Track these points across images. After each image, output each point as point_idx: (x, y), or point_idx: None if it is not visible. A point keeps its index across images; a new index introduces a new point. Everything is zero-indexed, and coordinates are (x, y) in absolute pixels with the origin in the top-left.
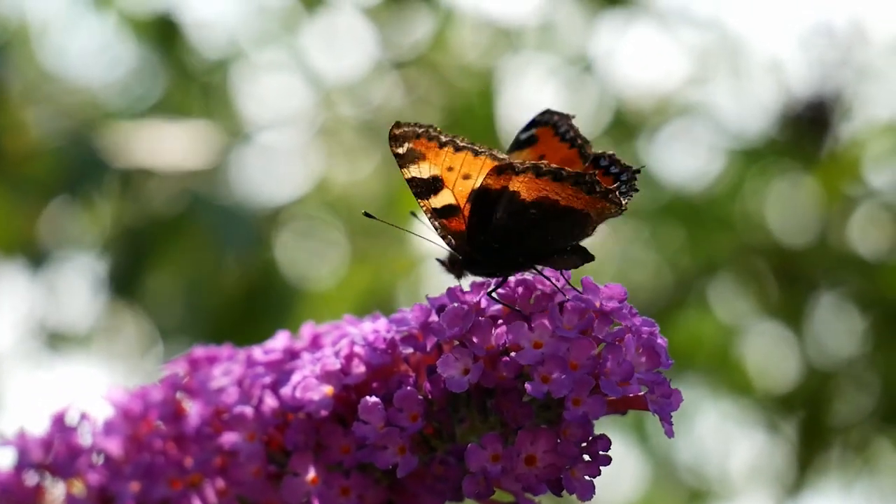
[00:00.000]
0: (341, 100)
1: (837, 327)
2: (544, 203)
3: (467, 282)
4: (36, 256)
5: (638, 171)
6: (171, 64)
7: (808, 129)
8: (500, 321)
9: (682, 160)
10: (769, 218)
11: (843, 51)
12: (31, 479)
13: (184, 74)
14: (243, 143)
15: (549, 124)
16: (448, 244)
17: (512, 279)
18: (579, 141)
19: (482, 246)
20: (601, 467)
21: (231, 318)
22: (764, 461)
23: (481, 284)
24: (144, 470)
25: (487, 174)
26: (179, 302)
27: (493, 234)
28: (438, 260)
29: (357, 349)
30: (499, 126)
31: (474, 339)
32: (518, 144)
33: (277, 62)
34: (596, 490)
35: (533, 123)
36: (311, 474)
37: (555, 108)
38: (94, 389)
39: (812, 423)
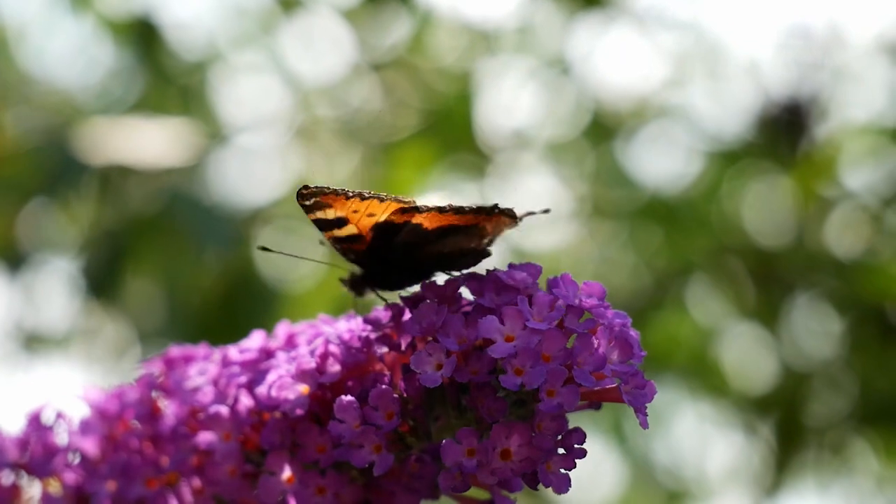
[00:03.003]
0: (319, 101)
1: (814, 328)
2: (444, 227)
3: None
4: (13, 258)
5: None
6: (149, 66)
7: (784, 130)
8: (472, 316)
9: (659, 162)
10: (746, 219)
11: (819, 53)
12: (7, 478)
13: (162, 76)
14: (221, 144)
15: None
16: (349, 260)
17: (483, 273)
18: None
19: (384, 261)
20: (576, 460)
21: (210, 319)
22: (741, 462)
23: (454, 280)
24: (121, 469)
25: (392, 212)
26: (158, 303)
27: (395, 251)
28: (341, 280)
29: (332, 348)
30: (476, 128)
31: (447, 335)
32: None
33: (255, 64)
34: (572, 483)
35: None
36: (287, 473)
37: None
38: (71, 390)
39: (789, 424)
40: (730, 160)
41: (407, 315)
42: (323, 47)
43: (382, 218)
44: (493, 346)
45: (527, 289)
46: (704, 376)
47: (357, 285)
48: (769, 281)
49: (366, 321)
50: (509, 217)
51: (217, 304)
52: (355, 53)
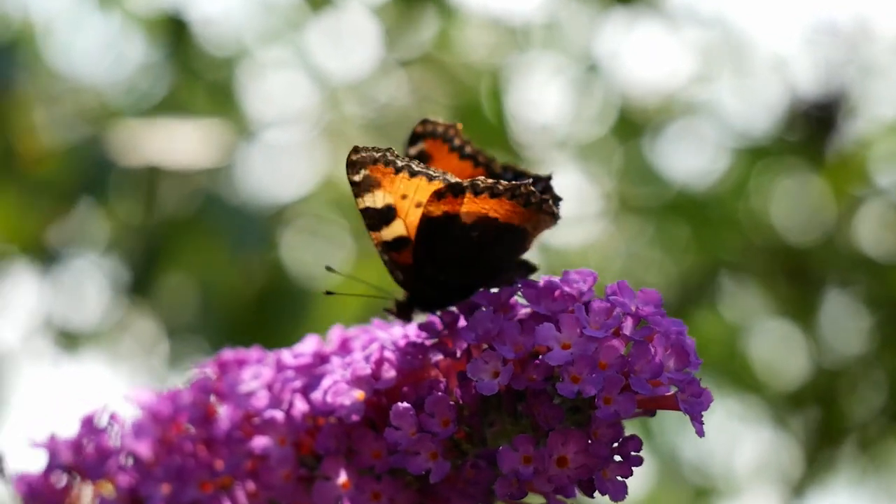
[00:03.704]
0: (347, 98)
1: (845, 326)
2: (484, 223)
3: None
4: (48, 256)
5: (550, 178)
6: (178, 62)
7: (813, 127)
8: (528, 323)
9: (687, 159)
10: (774, 216)
11: (848, 49)
12: (60, 480)
13: (189, 72)
14: (249, 141)
15: (437, 136)
16: (396, 280)
17: (541, 282)
18: (468, 150)
19: (430, 279)
20: (633, 468)
21: (241, 317)
22: (770, 459)
23: (508, 288)
24: (175, 472)
25: (428, 201)
26: (190, 301)
27: (440, 265)
28: (386, 310)
29: (387, 354)
30: (504, 125)
31: (503, 343)
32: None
33: (283, 60)
34: (628, 491)
35: (418, 136)
36: (343, 478)
37: (433, 117)
38: (110, 389)
39: (819, 421)
40: (757, 157)
41: (462, 322)
42: (351, 44)
43: (428, 204)
44: (549, 353)
45: (582, 296)
46: (733, 373)
47: (403, 311)
48: (799, 278)
49: (420, 328)
50: (547, 213)
51: (248, 302)
52: (383, 50)
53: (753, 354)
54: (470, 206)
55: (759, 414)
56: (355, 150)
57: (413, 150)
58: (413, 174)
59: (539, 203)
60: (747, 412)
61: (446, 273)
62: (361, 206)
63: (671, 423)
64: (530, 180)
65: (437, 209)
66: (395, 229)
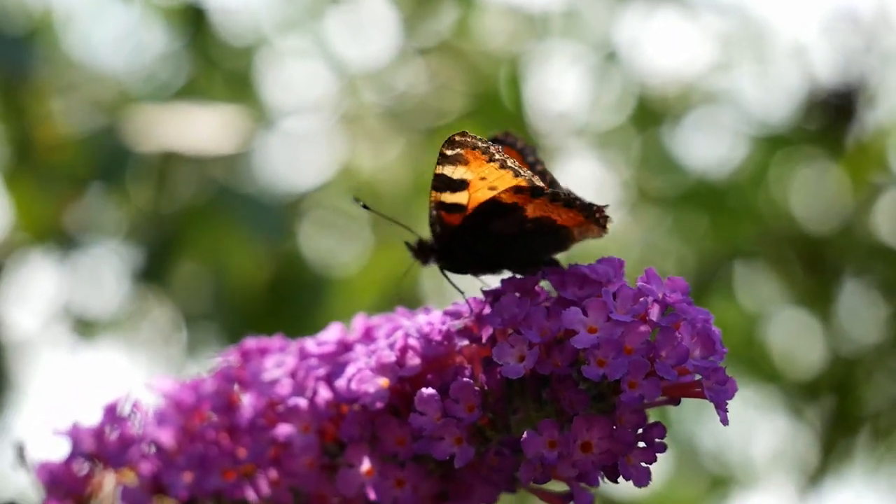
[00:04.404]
0: (365, 86)
1: (862, 314)
2: (543, 220)
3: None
4: (65, 243)
5: (605, 206)
6: (196, 51)
7: (832, 116)
8: (554, 309)
9: (705, 147)
10: (792, 205)
11: (867, 37)
12: (82, 468)
13: (208, 61)
14: (267, 130)
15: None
16: (433, 231)
17: (567, 268)
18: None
19: (467, 244)
20: (657, 454)
21: (257, 304)
22: (787, 448)
23: (534, 274)
24: (198, 460)
25: (504, 191)
26: (206, 288)
27: (483, 238)
28: (407, 244)
29: (412, 341)
30: (523, 113)
31: (529, 327)
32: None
33: (301, 48)
34: (652, 477)
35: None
36: (367, 465)
37: (514, 132)
38: (127, 377)
39: (837, 410)
40: (776, 145)
41: (487, 308)
42: (369, 32)
43: (502, 190)
44: (575, 336)
45: (609, 282)
46: (750, 362)
47: (423, 253)
48: (816, 266)
49: (445, 314)
50: (600, 226)
51: (264, 289)
52: (401, 38)
53: (770, 343)
54: (539, 207)
55: (776, 403)
56: (462, 133)
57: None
58: (504, 167)
59: (600, 218)
60: (764, 401)
61: (485, 245)
62: (438, 171)
63: (689, 412)
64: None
65: (511, 198)
66: (458, 198)
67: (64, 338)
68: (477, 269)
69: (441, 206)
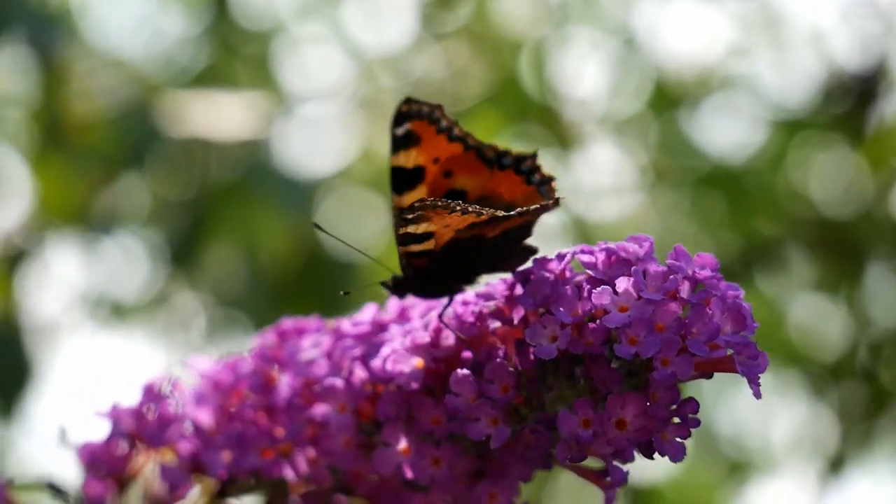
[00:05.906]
0: (383, 72)
1: (884, 298)
2: (505, 230)
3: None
4: (94, 226)
5: (535, 155)
6: (216, 36)
7: (852, 100)
8: (585, 288)
9: (724, 132)
10: (812, 189)
11: (886, 21)
12: (122, 447)
13: (227, 47)
14: (286, 115)
15: (423, 117)
16: (404, 273)
17: (596, 247)
18: (457, 132)
19: (441, 273)
20: (690, 429)
21: (286, 286)
22: (807, 433)
23: (563, 254)
24: (236, 439)
25: (459, 230)
26: (236, 271)
27: (455, 263)
28: (383, 284)
29: (446, 322)
30: (541, 98)
31: (560, 307)
32: (397, 143)
33: (319, 34)
34: (687, 451)
35: (403, 116)
36: (403, 444)
37: (416, 96)
38: (152, 361)
39: (858, 394)
40: (795, 130)
41: (519, 290)
42: (387, 17)
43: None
44: (607, 315)
45: (639, 261)
46: (772, 346)
47: (399, 289)
48: (837, 251)
49: (478, 296)
50: (556, 204)
51: (293, 271)
52: (420, 23)
53: (791, 327)
54: (497, 227)
55: (796, 388)
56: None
57: (399, 131)
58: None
59: (556, 202)
60: (783, 386)
61: (459, 267)
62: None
63: (707, 395)
64: (553, 178)
65: (468, 233)
66: (425, 245)
67: (88, 322)
68: (457, 286)
69: (409, 255)
